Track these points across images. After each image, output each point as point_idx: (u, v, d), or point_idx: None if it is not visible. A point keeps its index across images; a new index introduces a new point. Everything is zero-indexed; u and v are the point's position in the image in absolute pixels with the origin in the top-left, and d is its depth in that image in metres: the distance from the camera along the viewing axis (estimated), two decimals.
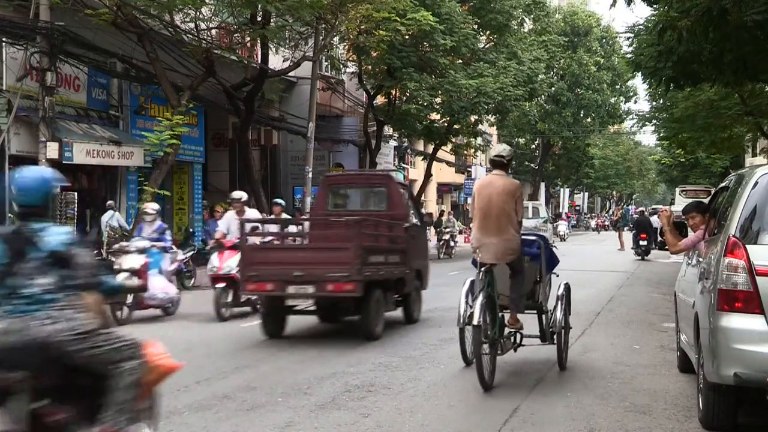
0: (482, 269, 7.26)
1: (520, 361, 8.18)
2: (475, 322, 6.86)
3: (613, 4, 11.08)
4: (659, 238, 27.42)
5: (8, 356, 3.84)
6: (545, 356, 8.22)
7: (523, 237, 7.78)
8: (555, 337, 7.86)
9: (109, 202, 17.87)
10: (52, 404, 3.95)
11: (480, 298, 6.97)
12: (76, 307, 4.05)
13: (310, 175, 24.31)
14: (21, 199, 4.14)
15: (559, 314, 7.85)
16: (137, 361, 4.19)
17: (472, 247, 7.64)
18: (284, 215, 13.50)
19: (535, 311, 8.02)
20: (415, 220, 12.06)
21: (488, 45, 30.40)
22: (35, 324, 3.90)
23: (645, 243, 27.25)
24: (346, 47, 27.59)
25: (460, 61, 27.63)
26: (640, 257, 26.86)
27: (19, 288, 3.99)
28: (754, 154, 32.74)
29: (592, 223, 63.50)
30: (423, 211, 17.89)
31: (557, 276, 8.32)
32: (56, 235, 4.09)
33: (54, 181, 4.23)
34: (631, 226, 33.98)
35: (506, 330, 7.51)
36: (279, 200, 15.60)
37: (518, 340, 7.78)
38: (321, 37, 22.77)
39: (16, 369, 3.83)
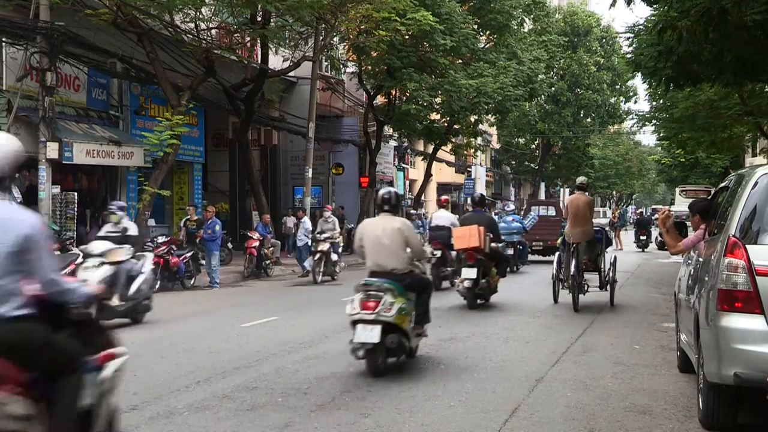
0: (573, 245, 12.87)
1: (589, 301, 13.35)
2: (572, 273, 12.62)
3: (613, 4, 11.06)
4: (659, 238, 28.04)
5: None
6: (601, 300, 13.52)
7: (594, 228, 13.27)
8: (608, 286, 13.38)
9: (189, 207, 19.04)
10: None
11: (573, 261, 12.67)
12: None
13: (310, 174, 24.29)
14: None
15: (611, 273, 13.36)
16: None
17: (566, 233, 13.19)
18: None
19: (596, 272, 13.51)
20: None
21: (488, 45, 30.39)
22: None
23: (644, 238, 33.80)
24: (346, 47, 27.58)
25: (460, 61, 27.61)
26: (640, 249, 33.08)
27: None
28: (754, 154, 32.75)
29: None
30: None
31: (607, 252, 13.82)
32: (527, 220, 22.57)
33: None
34: (631, 223, 39.37)
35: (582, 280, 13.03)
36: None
37: (587, 288, 13.14)
38: (321, 37, 22.78)
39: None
